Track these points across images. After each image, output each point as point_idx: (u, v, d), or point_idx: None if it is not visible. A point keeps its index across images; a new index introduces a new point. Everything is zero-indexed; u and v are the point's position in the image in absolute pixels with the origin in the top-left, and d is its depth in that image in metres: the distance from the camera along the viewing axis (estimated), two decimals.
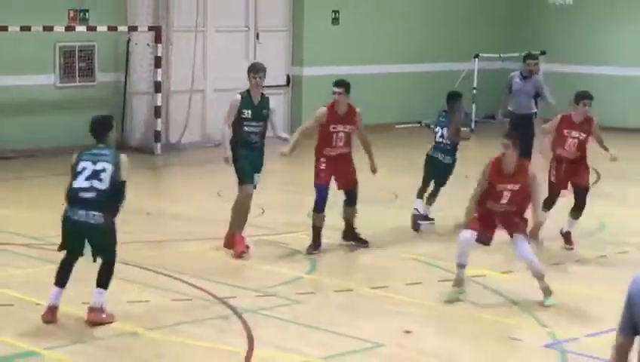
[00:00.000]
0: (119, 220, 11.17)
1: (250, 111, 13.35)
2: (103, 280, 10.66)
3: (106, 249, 10.67)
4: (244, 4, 24.00)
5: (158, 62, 21.91)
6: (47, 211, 15.90)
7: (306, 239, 14.08)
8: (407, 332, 10.57)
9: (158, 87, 21.88)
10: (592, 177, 18.59)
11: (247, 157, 13.41)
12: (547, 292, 11.46)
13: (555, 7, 17.69)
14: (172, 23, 22.30)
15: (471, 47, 23.66)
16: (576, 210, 14.31)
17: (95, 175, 10.49)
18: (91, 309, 10.57)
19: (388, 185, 18.10)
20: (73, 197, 10.55)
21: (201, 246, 13.86)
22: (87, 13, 21.30)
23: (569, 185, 14.45)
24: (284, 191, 19.43)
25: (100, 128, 10.90)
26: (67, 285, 10.57)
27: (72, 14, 21.17)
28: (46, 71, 21.08)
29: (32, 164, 19.82)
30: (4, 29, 19.72)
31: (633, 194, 17.57)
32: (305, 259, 13.43)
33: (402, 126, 25.66)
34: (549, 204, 14.21)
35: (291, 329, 10.65)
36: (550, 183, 14.36)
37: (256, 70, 13.60)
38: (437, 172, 15.41)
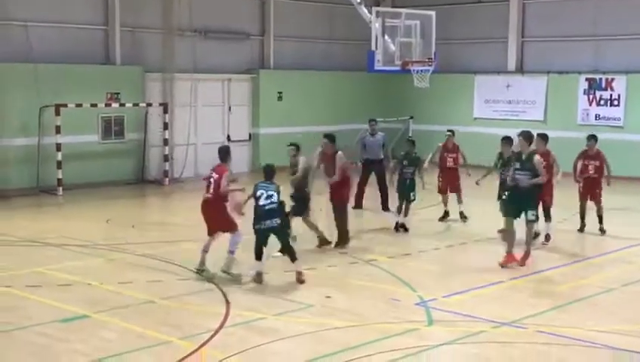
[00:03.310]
0: (144, 229, 11.15)
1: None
2: (292, 255, 11.35)
3: (284, 237, 11.50)
4: (220, 88, 23.91)
5: (165, 126, 21.71)
6: (95, 223, 15.77)
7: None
8: (328, 297, 10.56)
9: (166, 141, 21.71)
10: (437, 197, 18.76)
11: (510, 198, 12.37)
12: None
13: (418, 88, 17.85)
14: (175, 101, 22.12)
15: (367, 113, 23.68)
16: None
17: (269, 197, 11.13)
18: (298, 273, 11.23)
19: (314, 202, 18.06)
20: (261, 213, 11.11)
21: (194, 244, 13.70)
22: (119, 95, 21.11)
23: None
24: None
25: (270, 172, 11.39)
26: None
27: (109, 96, 20.94)
28: (93, 132, 20.84)
29: (84, 193, 19.58)
30: (65, 105, 19.48)
31: (471, 210, 17.68)
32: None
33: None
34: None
35: (254, 297, 10.60)
36: None
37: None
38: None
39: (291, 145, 13.40)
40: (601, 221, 14.73)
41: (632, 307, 10.45)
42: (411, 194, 14.97)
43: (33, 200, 18.68)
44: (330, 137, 13.87)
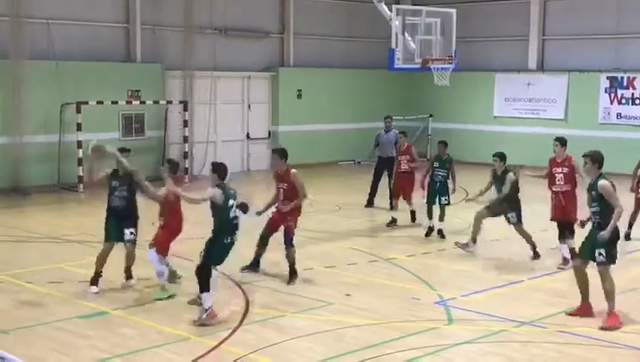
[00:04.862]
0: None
1: None
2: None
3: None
4: (240, 86, 23.93)
5: (185, 124, 21.75)
6: None
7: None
8: (348, 295, 10.54)
9: (185, 139, 21.76)
10: (462, 195, 18.67)
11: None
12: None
13: (438, 86, 17.74)
14: (194, 99, 22.15)
15: (385, 111, 23.68)
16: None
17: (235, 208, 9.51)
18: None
19: (334, 200, 18.05)
20: (236, 226, 9.42)
21: None
22: (139, 93, 21.17)
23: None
24: None
25: (226, 170, 9.75)
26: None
27: (130, 93, 21.03)
28: (113, 129, 20.88)
29: (104, 190, 19.57)
30: (86, 103, 19.55)
31: None
32: (278, 249, 13.17)
33: (342, 163, 25.61)
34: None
35: (273, 294, 10.58)
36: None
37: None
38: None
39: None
40: None
41: None
42: (443, 198, 14.22)
43: (54, 197, 18.77)
44: (281, 152, 11.48)
